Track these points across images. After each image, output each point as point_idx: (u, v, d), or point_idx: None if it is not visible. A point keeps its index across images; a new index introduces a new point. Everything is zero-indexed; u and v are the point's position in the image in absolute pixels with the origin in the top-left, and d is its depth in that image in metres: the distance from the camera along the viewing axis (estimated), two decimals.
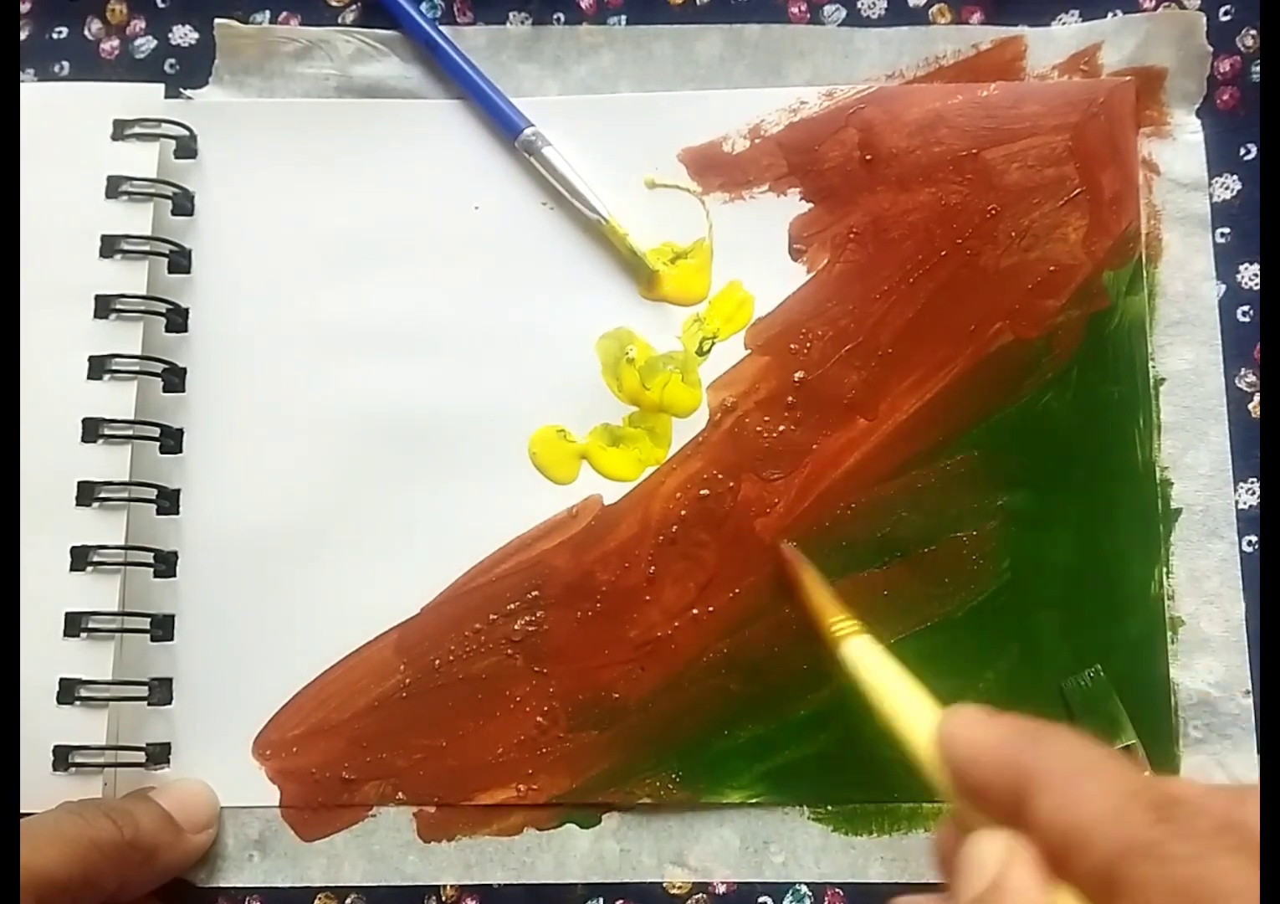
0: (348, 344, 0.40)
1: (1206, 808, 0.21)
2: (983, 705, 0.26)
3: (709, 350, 0.40)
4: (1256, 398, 0.40)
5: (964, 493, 0.39)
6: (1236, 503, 0.39)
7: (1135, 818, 0.21)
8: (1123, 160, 0.40)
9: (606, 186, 0.40)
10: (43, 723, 0.37)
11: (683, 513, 0.39)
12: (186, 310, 0.41)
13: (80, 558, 0.38)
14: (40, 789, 0.37)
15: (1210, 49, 0.41)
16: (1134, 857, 0.20)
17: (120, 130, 0.40)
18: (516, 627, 0.39)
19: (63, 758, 0.37)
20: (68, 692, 0.37)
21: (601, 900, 0.38)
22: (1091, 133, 0.41)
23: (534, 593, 0.39)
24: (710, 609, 0.39)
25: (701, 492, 0.40)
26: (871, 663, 0.31)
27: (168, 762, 0.39)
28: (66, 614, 0.38)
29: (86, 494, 0.38)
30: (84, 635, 0.38)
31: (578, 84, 0.42)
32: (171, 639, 0.39)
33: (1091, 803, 0.21)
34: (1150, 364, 0.40)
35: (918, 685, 0.30)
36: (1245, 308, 0.40)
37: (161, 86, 0.41)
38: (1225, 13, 0.41)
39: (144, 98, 0.41)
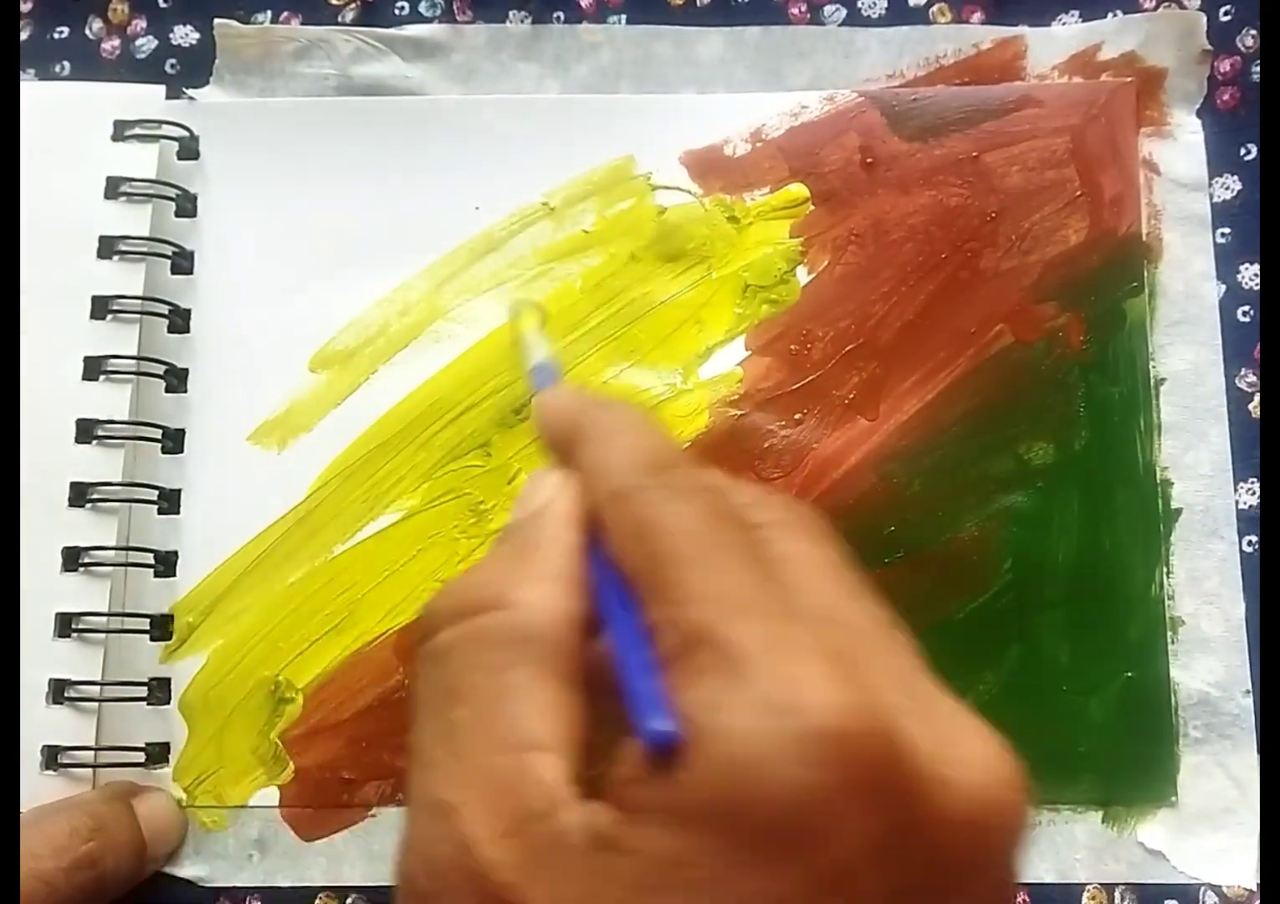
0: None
1: (693, 473, 0.23)
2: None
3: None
4: (1256, 398, 0.40)
5: (965, 493, 0.39)
6: (1236, 503, 0.39)
7: (636, 470, 0.22)
8: (1123, 162, 0.40)
9: (606, 186, 0.40)
10: (33, 723, 0.37)
11: None
12: (188, 311, 0.41)
13: (71, 559, 0.38)
14: (31, 789, 0.36)
15: (1210, 49, 0.41)
16: (616, 500, 0.22)
17: (120, 131, 0.40)
18: None
19: (52, 758, 0.37)
20: (58, 692, 0.37)
21: None
22: (1092, 135, 0.41)
23: None
24: None
25: None
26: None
27: (167, 761, 0.38)
28: (58, 614, 0.38)
29: (79, 495, 0.38)
30: (75, 636, 0.38)
31: (578, 83, 0.42)
32: (170, 639, 0.39)
33: (612, 454, 0.23)
34: (1150, 364, 0.40)
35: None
36: (1245, 308, 0.40)
37: (162, 88, 0.41)
38: (1225, 13, 0.41)
39: (145, 98, 0.41)
